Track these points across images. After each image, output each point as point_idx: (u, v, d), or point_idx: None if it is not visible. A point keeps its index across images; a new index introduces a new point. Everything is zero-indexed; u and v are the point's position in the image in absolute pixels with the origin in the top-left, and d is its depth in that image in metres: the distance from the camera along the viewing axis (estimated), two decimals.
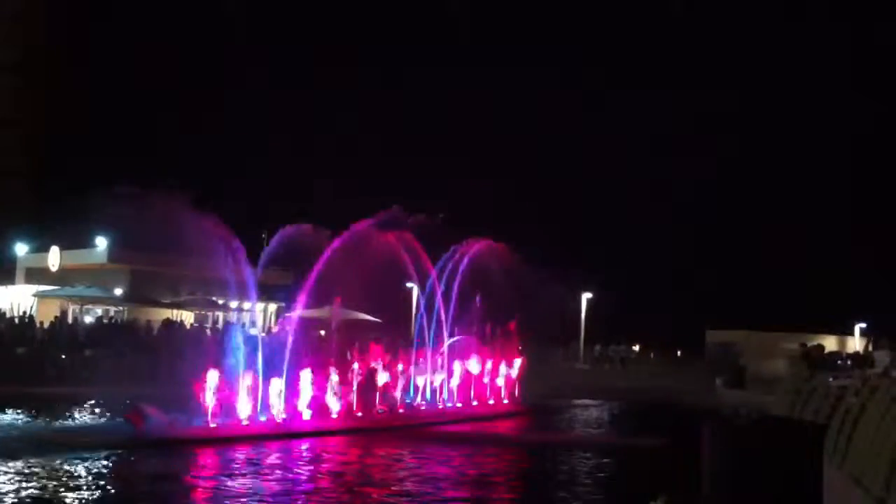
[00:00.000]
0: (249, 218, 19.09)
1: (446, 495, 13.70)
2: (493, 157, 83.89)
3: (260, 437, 17.43)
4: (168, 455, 15.46)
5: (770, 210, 78.13)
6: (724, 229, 75.13)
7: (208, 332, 34.07)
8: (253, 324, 23.66)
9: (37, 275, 40.67)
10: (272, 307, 39.73)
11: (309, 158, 75.35)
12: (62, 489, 12.07)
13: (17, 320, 31.68)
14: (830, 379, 17.26)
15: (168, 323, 34.58)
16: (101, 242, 40.10)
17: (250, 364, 18.22)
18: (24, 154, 41.24)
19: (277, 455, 16.33)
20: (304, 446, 17.52)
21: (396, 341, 25.75)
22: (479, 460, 17.27)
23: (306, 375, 18.97)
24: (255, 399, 18.10)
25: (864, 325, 53.25)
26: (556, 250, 48.92)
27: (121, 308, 38.09)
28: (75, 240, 40.69)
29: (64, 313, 36.67)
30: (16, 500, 11.24)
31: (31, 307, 36.29)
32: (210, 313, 39.62)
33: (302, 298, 20.23)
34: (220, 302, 36.20)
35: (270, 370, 18.61)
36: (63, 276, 39.02)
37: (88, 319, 36.38)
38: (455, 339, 25.22)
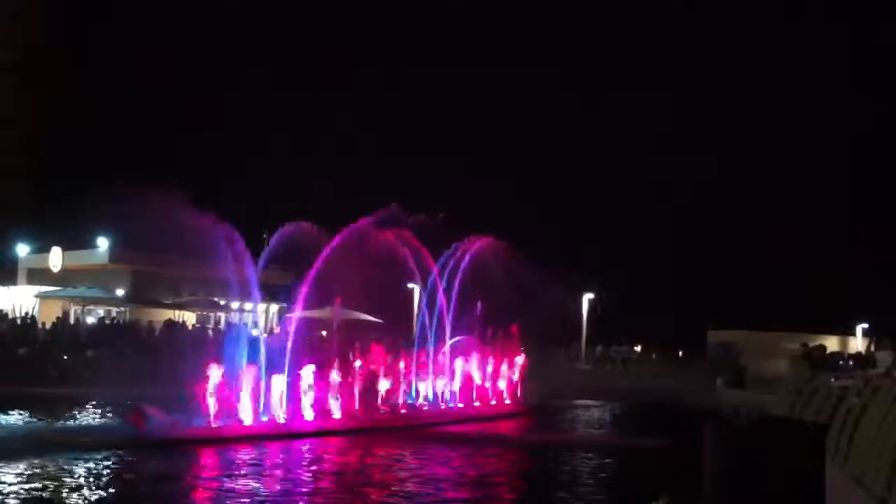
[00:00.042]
0: (249, 218, 19.09)
1: (447, 496, 13.70)
2: (493, 157, 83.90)
3: (261, 437, 17.44)
4: (169, 455, 15.46)
5: (770, 210, 78.17)
6: (724, 229, 75.18)
7: (210, 332, 34.08)
8: (255, 324, 23.70)
9: (38, 275, 40.69)
10: (274, 308, 39.74)
11: (309, 158, 75.37)
12: (63, 489, 12.08)
13: (18, 321, 31.70)
14: (832, 379, 17.26)
15: (170, 323, 34.60)
16: (103, 243, 40.14)
17: (252, 364, 18.22)
18: (24, 154, 41.25)
19: (278, 455, 16.35)
20: (306, 447, 17.51)
21: (398, 342, 25.76)
22: (480, 461, 17.27)
23: (308, 376, 18.99)
24: (257, 399, 18.11)
25: (865, 325, 53.30)
26: (556, 250, 48.88)
27: (122, 309, 38.12)
28: (77, 240, 40.74)
29: (66, 314, 36.70)
30: (17, 501, 11.24)
31: (33, 308, 36.32)
32: (212, 314, 39.65)
33: (301, 298, 20.19)
34: (222, 302, 36.22)
35: (272, 370, 18.62)
36: (65, 277, 39.06)
37: (90, 320, 36.42)
38: (456, 339, 25.23)
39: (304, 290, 19.99)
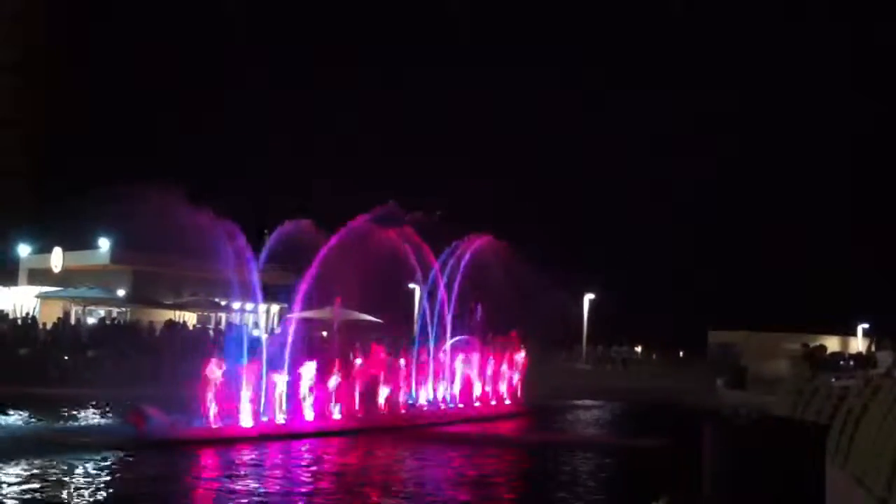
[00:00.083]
0: (249, 217, 19.05)
1: (447, 496, 13.72)
2: (493, 157, 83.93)
3: (261, 437, 17.44)
4: (169, 456, 15.47)
5: (770, 210, 78.18)
6: (724, 229, 75.20)
7: (211, 333, 34.09)
8: (256, 325, 23.70)
9: (39, 276, 40.68)
10: (275, 308, 39.75)
11: (309, 158, 75.40)
12: (64, 489, 12.09)
13: (20, 321, 31.71)
14: (833, 379, 17.27)
15: (170, 324, 34.61)
16: (104, 244, 40.11)
17: (252, 365, 18.22)
18: (24, 154, 41.27)
19: (278, 456, 16.35)
20: (306, 447, 17.52)
21: (398, 342, 25.75)
22: (480, 461, 17.27)
23: (308, 376, 19.00)
24: (257, 400, 18.12)
25: (866, 325, 53.29)
26: (557, 250, 48.91)
27: (123, 309, 38.10)
28: (78, 241, 40.71)
29: (67, 314, 36.71)
30: (18, 501, 11.25)
31: (34, 308, 36.33)
32: (213, 314, 39.64)
33: (300, 297, 20.14)
34: (223, 303, 36.21)
35: (272, 371, 18.62)
36: (66, 278, 39.05)
37: (91, 320, 36.41)
38: (457, 338, 25.23)
39: (302, 288, 19.93)
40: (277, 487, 13.35)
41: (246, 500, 12.19)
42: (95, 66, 67.66)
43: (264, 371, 18.40)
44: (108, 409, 20.71)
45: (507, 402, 26.20)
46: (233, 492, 12.71)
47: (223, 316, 38.72)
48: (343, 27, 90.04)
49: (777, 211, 77.79)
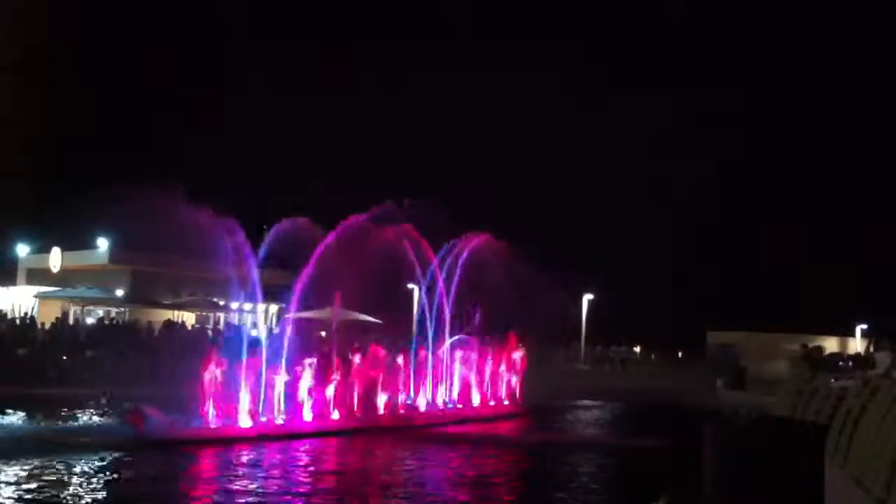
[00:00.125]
0: (249, 218, 19.00)
1: (446, 496, 13.71)
2: (493, 157, 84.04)
3: (260, 437, 17.42)
4: (168, 456, 15.45)
5: (770, 210, 78.28)
6: (724, 229, 75.28)
7: (209, 333, 34.08)
8: (254, 325, 23.66)
9: (38, 276, 40.68)
10: (273, 308, 39.76)
11: (309, 158, 75.43)
12: (62, 490, 12.06)
13: (18, 321, 31.69)
14: (832, 380, 17.27)
15: (169, 324, 34.59)
16: (103, 243, 40.11)
17: (251, 365, 18.21)
18: (24, 154, 41.27)
19: (277, 456, 16.32)
20: (305, 447, 17.50)
21: (397, 342, 25.73)
22: (479, 461, 17.27)
23: (307, 376, 18.99)
24: (256, 400, 18.11)
25: (864, 326, 53.35)
26: (556, 250, 48.92)
27: (122, 309, 38.10)
28: (76, 241, 40.71)
29: (65, 314, 36.71)
30: (17, 501, 11.23)
31: (33, 308, 36.32)
32: (211, 314, 39.64)
33: (297, 296, 20.03)
34: (222, 303, 36.21)
35: (271, 371, 18.60)
36: (64, 277, 39.04)
37: (90, 320, 36.40)
38: (456, 338, 25.21)
39: (299, 286, 19.84)
40: (276, 488, 13.33)
41: (244, 501, 12.17)
42: (95, 66, 67.77)
43: (263, 371, 18.39)
44: (107, 409, 20.60)
45: (506, 402, 26.17)
46: (231, 492, 12.70)
47: (222, 316, 38.71)
48: (343, 27, 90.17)
49: (777, 211, 77.94)
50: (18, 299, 38.67)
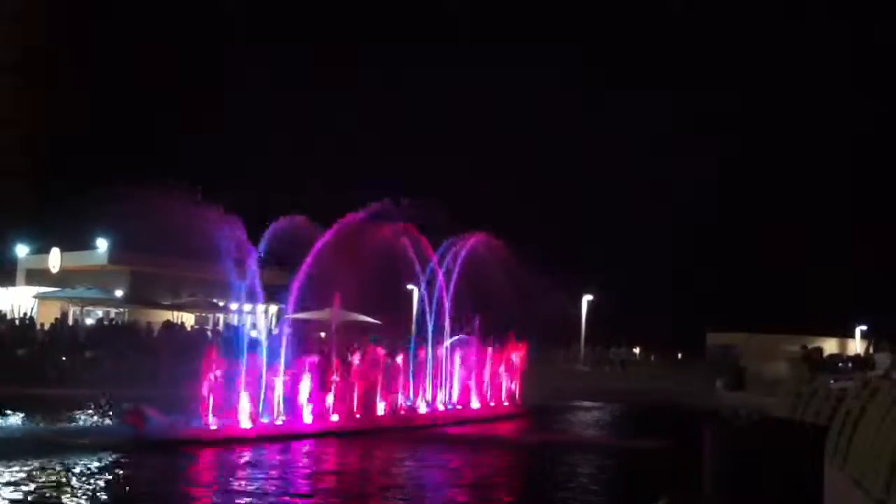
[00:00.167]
0: (249, 219, 18.97)
1: (446, 497, 13.71)
2: (493, 157, 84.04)
3: (260, 438, 17.42)
4: (168, 456, 15.45)
5: (770, 210, 78.32)
6: (724, 229, 75.32)
7: (209, 333, 34.07)
8: (254, 325, 23.65)
9: (37, 276, 40.67)
10: (273, 308, 39.75)
11: (309, 158, 75.42)
12: (62, 490, 12.06)
13: (17, 322, 31.69)
14: (831, 381, 17.28)
15: (168, 325, 34.60)
16: (102, 244, 40.11)
17: (251, 365, 18.21)
18: (24, 154, 41.24)
19: (277, 457, 16.33)
20: (304, 448, 17.51)
21: (396, 343, 25.72)
22: (479, 462, 17.27)
23: (307, 377, 18.99)
24: (256, 401, 18.10)
25: (864, 327, 53.36)
26: (556, 250, 48.99)
27: (121, 310, 38.11)
28: (76, 241, 40.71)
29: (64, 315, 36.70)
30: (16, 502, 11.22)
31: (32, 309, 36.31)
32: (211, 315, 39.63)
33: (294, 296, 19.91)
34: (221, 304, 36.20)
35: (271, 372, 18.60)
36: (64, 278, 39.04)
37: (89, 321, 36.40)
38: (456, 338, 25.21)
39: (296, 284, 19.74)
40: (276, 488, 13.32)
41: (244, 501, 12.16)
42: (95, 66, 67.76)
43: (263, 372, 18.38)
44: (106, 409, 20.58)
45: (506, 403, 26.18)
46: (231, 493, 12.69)
47: (221, 317, 38.71)
48: (343, 27, 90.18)
49: (777, 211, 77.99)
50: (18, 300, 38.65)
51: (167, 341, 30.94)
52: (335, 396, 19.73)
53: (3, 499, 11.30)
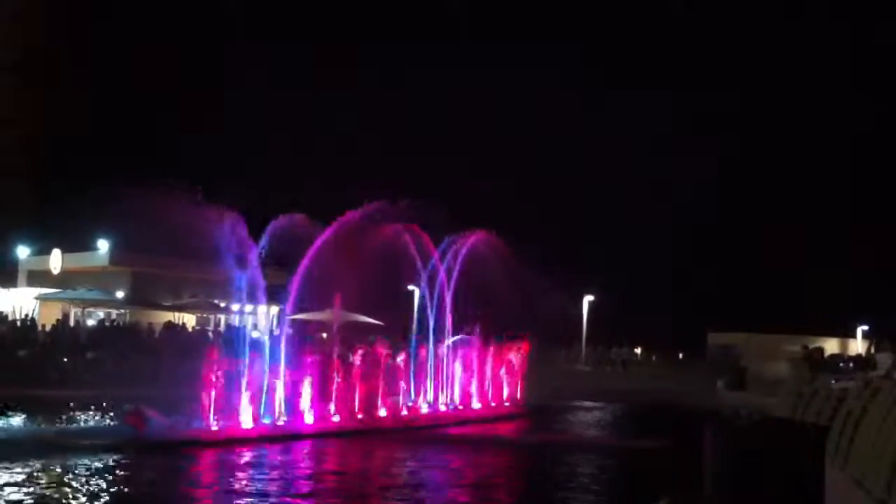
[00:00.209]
0: (249, 219, 18.94)
1: (447, 497, 13.72)
2: (493, 157, 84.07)
3: (261, 439, 17.42)
4: (169, 457, 15.46)
5: (770, 210, 78.32)
6: (724, 229, 75.31)
7: (210, 334, 34.08)
8: (255, 326, 23.66)
9: (39, 277, 40.69)
10: (274, 309, 39.76)
11: (308, 158, 75.43)
12: (63, 491, 12.07)
13: (19, 323, 31.68)
14: (832, 381, 17.27)
15: (170, 325, 34.61)
16: (103, 245, 40.14)
17: (252, 366, 18.21)
18: (24, 154, 41.26)
19: (278, 457, 16.33)
20: (306, 449, 17.52)
21: (397, 343, 25.73)
22: (480, 462, 17.28)
23: (308, 378, 18.99)
24: (257, 401, 18.11)
25: (865, 327, 53.32)
26: (556, 250, 48.99)
27: (123, 311, 38.12)
28: (77, 242, 40.73)
29: (66, 316, 36.71)
30: (16, 502, 11.23)
31: (33, 310, 36.31)
32: (212, 316, 39.64)
33: (294, 292, 19.86)
34: (222, 304, 36.20)
35: (272, 372, 18.61)
36: (65, 279, 39.06)
37: (90, 322, 36.40)
38: (458, 337, 25.21)
39: (296, 282, 19.70)
40: (277, 489, 13.33)
41: (245, 502, 12.18)
42: (95, 66, 67.81)
43: (265, 372, 18.39)
44: (107, 410, 20.62)
45: (507, 403, 26.19)
46: (232, 493, 12.71)
47: (222, 318, 38.72)
48: (343, 27, 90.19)
49: (777, 211, 77.98)
50: (19, 301, 38.65)
51: (168, 342, 30.95)
52: (336, 397, 19.74)
53: (5, 500, 11.31)
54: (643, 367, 51.49)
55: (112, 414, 19.31)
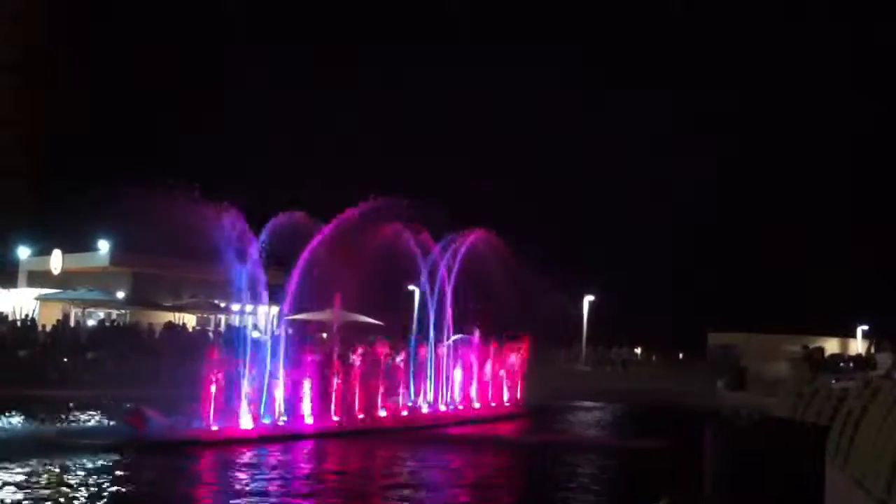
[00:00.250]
0: (249, 219, 18.94)
1: (447, 497, 13.72)
2: (493, 157, 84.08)
3: (261, 439, 17.41)
4: (169, 457, 15.46)
5: (770, 210, 78.35)
6: (724, 229, 75.33)
7: (210, 334, 34.09)
8: (255, 326, 23.65)
9: (39, 278, 40.70)
10: (275, 309, 39.72)
11: (308, 158, 75.42)
12: (62, 491, 12.07)
13: (19, 323, 31.69)
14: (832, 381, 17.27)
15: (170, 326, 34.62)
16: (104, 246, 40.16)
17: (252, 366, 18.21)
18: (24, 154, 41.26)
19: (278, 457, 16.32)
20: (306, 449, 17.52)
21: (397, 344, 25.72)
22: (480, 462, 17.28)
23: (308, 378, 18.99)
24: (257, 402, 18.11)
25: (865, 327, 53.34)
26: (556, 250, 48.99)
27: (123, 311, 38.13)
28: (77, 243, 40.75)
29: (66, 316, 36.71)
30: (16, 502, 11.24)
31: (34, 310, 36.32)
32: (212, 316, 39.65)
33: (291, 294, 19.87)
34: (222, 305, 36.21)
35: (272, 373, 18.61)
36: (65, 280, 39.07)
37: (91, 322, 36.42)
38: (458, 336, 25.20)
39: (294, 278, 19.64)
40: (277, 489, 13.33)
41: (245, 501, 12.18)
42: (95, 66, 67.83)
43: (266, 373, 18.39)
44: (108, 410, 20.63)
45: (507, 403, 26.19)
46: (232, 493, 12.71)
47: (223, 318, 38.73)
48: (343, 27, 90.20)
49: (777, 211, 78.01)
50: (19, 301, 38.66)
51: (168, 342, 30.96)
52: (336, 397, 19.73)
53: (4, 500, 11.31)
54: (643, 367, 51.52)
55: (112, 414, 19.32)
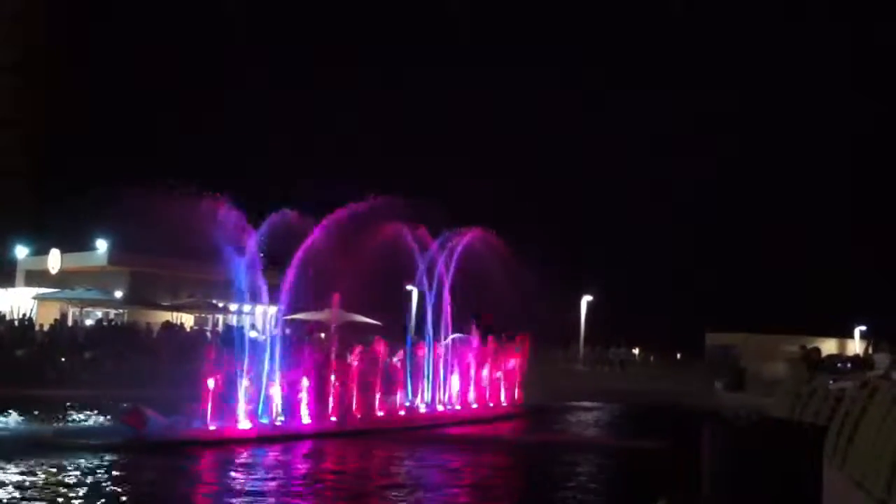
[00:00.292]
0: (249, 219, 18.92)
1: (446, 497, 13.70)
2: (493, 157, 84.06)
3: (259, 439, 17.41)
4: (168, 457, 15.44)
5: (770, 210, 78.35)
6: (724, 229, 75.32)
7: (208, 334, 34.07)
8: (253, 326, 23.65)
9: (37, 277, 40.68)
10: (273, 309, 39.69)
11: (309, 158, 75.40)
12: (60, 492, 12.05)
13: (17, 323, 31.66)
14: (830, 381, 17.27)
15: (168, 325, 34.59)
16: (102, 245, 40.13)
17: (250, 366, 18.19)
18: (24, 154, 41.25)
19: (276, 457, 16.32)
20: (304, 449, 17.50)
21: (395, 345, 25.69)
22: (478, 462, 17.26)
23: (306, 378, 18.98)
24: (255, 402, 18.09)
25: (863, 327, 53.35)
26: (556, 250, 48.97)
27: (121, 310, 38.10)
28: (75, 242, 40.74)
29: (64, 316, 36.69)
30: (13, 502, 11.22)
31: (32, 310, 36.29)
32: (210, 316, 39.62)
33: (287, 292, 19.83)
34: (220, 304, 36.20)
35: (270, 373, 18.59)
36: (63, 279, 39.04)
37: (88, 322, 36.38)
38: (457, 335, 25.18)
39: (289, 278, 19.59)
40: (275, 488, 13.32)
41: (243, 501, 12.16)
42: (95, 66, 67.81)
43: (264, 373, 18.38)
44: (105, 410, 20.60)
45: (505, 403, 26.18)
46: (231, 493, 12.69)
47: (220, 318, 38.72)
48: (343, 27, 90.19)
49: (777, 211, 78.02)
50: (17, 301, 38.62)
51: (167, 342, 30.94)
52: (334, 397, 19.72)
53: (2, 499, 11.29)
54: (641, 368, 51.55)
55: (110, 414, 19.30)
